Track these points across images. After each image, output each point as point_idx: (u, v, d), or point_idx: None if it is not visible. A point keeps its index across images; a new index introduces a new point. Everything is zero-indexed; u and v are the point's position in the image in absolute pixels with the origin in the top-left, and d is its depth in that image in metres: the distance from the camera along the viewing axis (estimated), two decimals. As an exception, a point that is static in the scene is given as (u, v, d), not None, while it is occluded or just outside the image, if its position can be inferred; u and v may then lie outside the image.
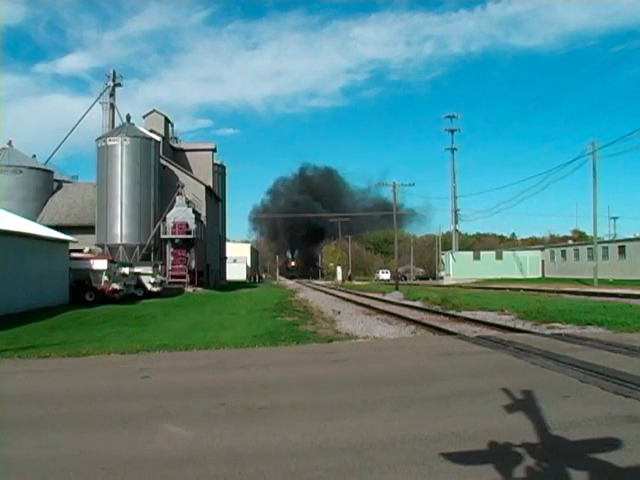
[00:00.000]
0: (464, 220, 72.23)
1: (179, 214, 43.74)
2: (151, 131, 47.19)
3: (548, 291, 32.79)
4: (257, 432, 4.98)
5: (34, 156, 49.02)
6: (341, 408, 5.80)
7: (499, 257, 64.15)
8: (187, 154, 54.01)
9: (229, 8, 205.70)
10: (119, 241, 42.07)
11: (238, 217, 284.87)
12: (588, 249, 52.65)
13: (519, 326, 14.43)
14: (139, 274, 33.26)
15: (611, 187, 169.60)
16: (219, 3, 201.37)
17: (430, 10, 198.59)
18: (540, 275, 61.11)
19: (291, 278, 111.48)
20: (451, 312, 19.40)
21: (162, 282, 36.27)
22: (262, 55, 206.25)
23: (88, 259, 29.70)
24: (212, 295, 38.16)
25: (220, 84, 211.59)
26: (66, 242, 27.11)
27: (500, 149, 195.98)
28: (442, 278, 64.18)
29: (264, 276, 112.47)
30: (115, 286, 27.91)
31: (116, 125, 47.98)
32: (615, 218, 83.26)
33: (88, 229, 42.22)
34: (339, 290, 46.20)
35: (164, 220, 43.44)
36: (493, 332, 13.03)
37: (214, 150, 56.70)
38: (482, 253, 65.63)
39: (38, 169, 47.44)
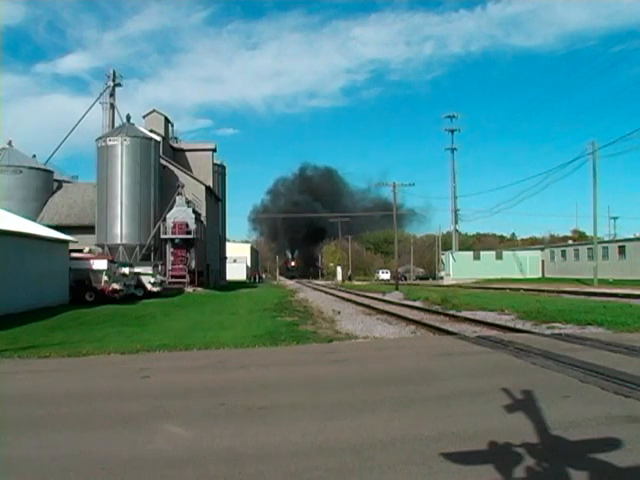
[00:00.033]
0: (464, 220, 72.33)
1: (179, 214, 43.74)
2: (151, 131, 47.19)
3: (548, 291, 32.78)
4: (257, 432, 4.98)
5: (34, 156, 49.03)
6: (341, 408, 5.80)
7: (499, 257, 64.15)
8: (187, 154, 54.01)
9: (229, 8, 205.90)
10: (119, 241, 42.07)
11: (238, 217, 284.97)
12: (588, 249, 52.65)
13: (519, 326, 14.43)
14: (139, 274, 33.26)
15: (611, 187, 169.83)
16: (219, 3, 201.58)
17: (430, 10, 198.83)
18: (540, 275, 61.11)
19: (291, 278, 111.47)
20: (451, 312, 19.40)
21: (162, 282, 36.27)
22: (262, 55, 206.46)
23: (88, 259, 29.70)
24: (212, 295, 38.16)
25: (220, 84, 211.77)
26: (66, 242, 27.11)
27: (500, 149, 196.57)
28: (442, 278, 64.18)
29: (264, 276, 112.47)
30: (115, 286, 27.91)
31: (116, 125, 47.98)
32: (615, 218, 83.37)
33: (88, 229, 42.22)
34: (339, 290, 46.20)
35: (164, 220, 43.44)
36: (493, 332, 13.03)
37: (214, 150, 56.71)
38: (482, 253, 65.64)
39: (38, 169, 47.45)
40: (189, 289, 41.90)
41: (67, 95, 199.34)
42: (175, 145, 54.76)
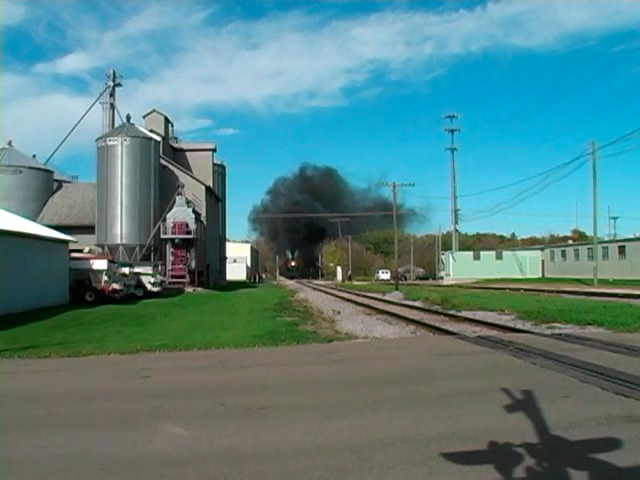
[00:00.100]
0: (464, 220, 72.35)
1: (179, 214, 43.75)
2: (151, 131, 47.19)
3: (548, 291, 32.79)
4: (257, 432, 4.98)
5: (34, 156, 49.04)
6: (341, 408, 5.80)
7: (499, 257, 64.16)
8: (187, 154, 54.01)
9: (229, 8, 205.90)
10: (119, 241, 42.08)
11: (238, 217, 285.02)
12: (588, 249, 52.65)
13: (519, 326, 14.43)
14: (139, 274, 33.26)
15: (611, 187, 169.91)
16: (219, 3, 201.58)
17: (430, 10, 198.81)
18: (540, 275, 61.11)
19: (291, 278, 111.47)
20: (451, 312, 19.40)
21: (162, 282, 36.27)
22: (262, 55, 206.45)
23: (88, 259, 29.71)
24: (212, 295, 38.16)
25: (220, 84, 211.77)
26: (66, 242, 27.11)
27: (500, 149, 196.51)
28: (442, 278, 64.18)
29: (264, 276, 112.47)
30: (115, 286, 27.91)
31: (116, 125, 47.99)
32: (615, 218, 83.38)
33: (88, 229, 42.23)
34: (339, 290, 46.20)
35: (164, 220, 43.44)
36: (493, 332, 13.03)
37: (214, 150, 56.71)
38: (482, 253, 65.64)
39: (38, 169, 47.45)
40: (189, 289, 41.90)
41: (67, 95, 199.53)
42: (175, 145, 54.76)
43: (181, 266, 43.58)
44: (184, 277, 43.24)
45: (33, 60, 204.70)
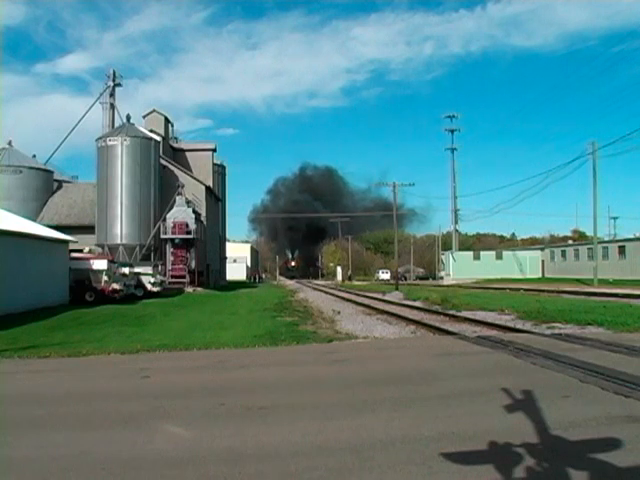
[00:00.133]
0: (464, 220, 72.35)
1: (179, 214, 43.75)
2: (151, 131, 47.19)
3: (548, 291, 32.79)
4: (257, 432, 4.98)
5: (34, 156, 49.03)
6: (341, 408, 5.80)
7: (499, 257, 64.16)
8: (187, 154, 54.01)
9: (229, 8, 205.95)
10: (119, 241, 42.07)
11: (238, 217, 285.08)
12: (588, 249, 52.65)
13: (519, 326, 14.43)
14: (139, 274, 33.26)
15: (611, 187, 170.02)
16: (219, 3, 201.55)
17: (430, 10, 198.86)
18: (540, 275, 61.11)
19: (291, 278, 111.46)
20: (451, 312, 19.40)
21: (162, 282, 36.27)
22: (262, 55, 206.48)
23: (88, 259, 29.70)
24: (212, 295, 38.16)
25: (220, 84, 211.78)
26: (66, 242, 27.11)
27: (500, 149, 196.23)
28: (442, 278, 64.19)
29: (264, 276, 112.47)
30: (115, 286, 27.91)
31: (116, 125, 47.98)
32: (615, 218, 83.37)
33: (88, 229, 42.23)
34: (339, 290, 46.20)
35: (164, 220, 43.44)
36: (493, 332, 13.03)
37: (214, 150, 56.70)
38: (482, 253, 65.63)
39: (38, 169, 47.45)
40: (189, 289, 41.90)
41: (67, 95, 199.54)
42: (175, 145, 54.76)
43: (181, 266, 43.58)
44: (184, 277, 43.23)
45: (33, 60, 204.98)
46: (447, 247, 73.13)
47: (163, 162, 46.38)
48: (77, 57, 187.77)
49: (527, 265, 61.73)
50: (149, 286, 33.76)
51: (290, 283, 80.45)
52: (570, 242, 69.37)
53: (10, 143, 47.41)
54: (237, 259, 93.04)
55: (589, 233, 75.16)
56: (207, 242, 49.93)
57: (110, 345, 11.61)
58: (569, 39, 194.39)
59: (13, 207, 35.85)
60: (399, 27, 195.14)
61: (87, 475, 4.04)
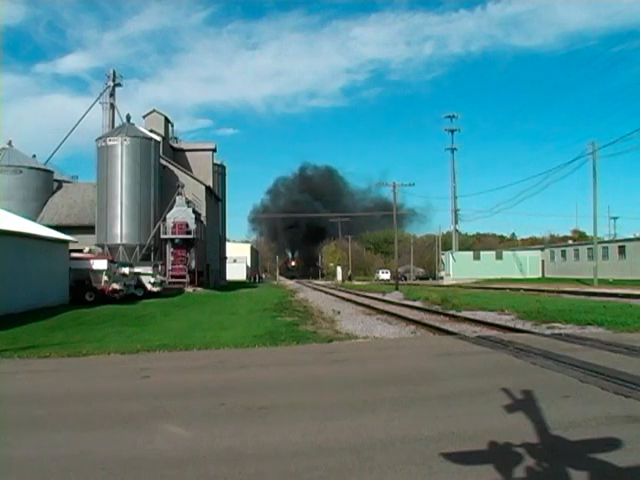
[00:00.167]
0: (464, 220, 72.34)
1: (179, 214, 43.75)
2: (151, 131, 47.19)
3: (548, 291, 32.79)
4: (257, 432, 4.98)
5: (34, 156, 49.03)
6: (341, 408, 5.80)
7: (499, 257, 64.16)
8: (187, 154, 54.01)
9: (229, 8, 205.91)
10: (119, 241, 42.08)
11: (238, 217, 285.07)
12: (588, 249, 52.65)
13: (519, 326, 14.43)
14: (139, 274, 33.26)
15: (611, 187, 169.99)
16: (219, 3, 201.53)
17: (430, 10, 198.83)
18: (540, 275, 61.11)
19: (291, 278, 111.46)
20: (451, 312, 19.40)
21: (162, 282, 36.27)
22: (262, 55, 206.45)
23: (88, 259, 29.71)
24: (212, 295, 38.16)
25: (220, 84, 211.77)
26: (66, 242, 27.11)
27: (500, 149, 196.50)
28: (442, 278, 64.19)
29: (264, 276, 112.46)
30: (115, 286, 27.91)
31: (116, 125, 47.98)
32: (615, 218, 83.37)
33: (88, 229, 42.22)
34: (339, 290, 46.20)
35: (164, 220, 43.44)
36: (493, 332, 13.03)
37: (214, 150, 56.70)
38: (482, 253, 65.63)
39: (38, 169, 47.45)
40: (189, 289, 41.90)
41: (67, 95, 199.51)
42: (175, 145, 54.75)
43: (181, 266, 43.58)
44: (184, 277, 43.23)
45: (33, 60, 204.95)
46: (447, 247, 73.13)
47: (163, 162, 46.38)
48: (77, 57, 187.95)
49: (527, 265, 61.73)
50: (149, 286, 33.76)
51: (290, 283, 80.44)
52: (570, 242, 69.37)
53: (10, 143, 47.42)
54: (237, 259, 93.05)
55: (589, 233, 75.25)
56: (207, 242, 49.93)
57: (110, 345, 11.60)
58: (569, 39, 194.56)
59: (13, 207, 35.85)
60: (399, 27, 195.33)
61: (87, 475, 4.04)
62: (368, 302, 27.18)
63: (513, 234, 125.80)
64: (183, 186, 45.56)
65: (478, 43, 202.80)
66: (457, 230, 68.89)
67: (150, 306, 25.43)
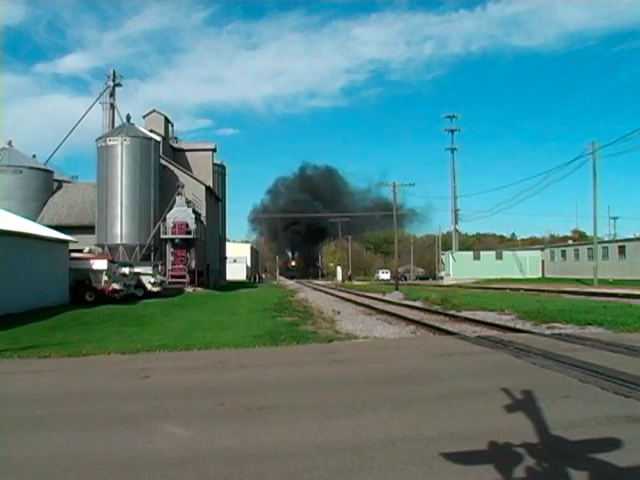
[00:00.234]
0: (464, 220, 72.37)
1: (179, 214, 43.75)
2: (151, 131, 47.19)
3: (548, 291, 32.78)
4: (257, 432, 4.98)
5: (34, 156, 49.03)
6: (341, 408, 5.80)
7: (499, 257, 64.16)
8: (187, 154, 54.02)
9: (229, 8, 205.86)
10: (119, 241, 42.08)
11: (238, 217, 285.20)
12: (588, 249, 52.65)
13: (519, 326, 14.43)
14: (139, 274, 33.26)
15: (611, 187, 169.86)
16: (219, 3, 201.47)
17: (430, 10, 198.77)
18: (540, 275, 61.11)
19: (291, 278, 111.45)
20: (451, 312, 19.40)
21: (162, 282, 36.27)
22: (262, 55, 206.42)
23: (88, 259, 29.70)
24: (212, 295, 38.16)
25: (220, 84, 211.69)
26: (66, 242, 27.11)
27: (500, 149, 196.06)
28: (442, 278, 64.19)
29: (264, 276, 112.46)
30: (115, 286, 27.91)
31: (116, 125, 47.99)
32: (615, 218, 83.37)
33: (88, 229, 42.22)
34: (339, 290, 46.20)
35: (164, 220, 43.44)
36: (493, 332, 13.03)
37: (214, 150, 56.70)
38: (482, 253, 65.63)
39: (38, 169, 47.45)
40: (189, 289, 41.90)
41: (67, 95, 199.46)
42: (175, 145, 54.76)
43: (181, 266, 43.58)
44: (184, 277, 43.23)
45: (33, 60, 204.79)
46: (447, 247, 73.13)
47: (163, 162, 46.38)
48: (77, 57, 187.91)
49: (527, 265, 61.73)
50: (149, 286, 33.76)
51: (290, 283, 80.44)
52: (570, 242, 69.37)
53: (10, 143, 47.42)
54: (237, 259, 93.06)
55: (589, 233, 75.25)
56: (207, 242, 49.93)
57: (110, 345, 11.60)
58: (569, 39, 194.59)
59: (13, 207, 35.85)
60: (399, 27, 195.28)
61: (87, 475, 4.04)
62: (368, 302, 27.18)
63: (513, 234, 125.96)
64: (183, 186, 45.56)
65: (478, 43, 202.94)
66: (457, 230, 68.93)
67: (150, 306, 25.43)
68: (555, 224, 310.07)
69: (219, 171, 61.27)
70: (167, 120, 52.69)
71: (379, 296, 32.79)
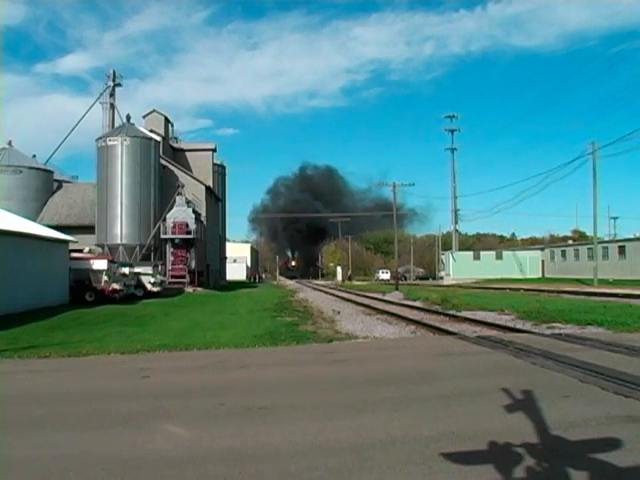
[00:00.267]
0: (464, 220, 72.38)
1: (179, 214, 43.74)
2: (151, 131, 47.18)
3: (548, 291, 32.78)
4: (257, 432, 4.98)
5: (34, 156, 49.03)
6: (341, 408, 5.80)
7: (499, 257, 64.15)
8: (187, 154, 54.01)
9: (229, 8, 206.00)
10: (119, 241, 42.07)
11: (238, 217, 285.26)
12: (588, 249, 52.65)
13: (519, 326, 14.43)
14: (139, 274, 33.26)
15: (611, 187, 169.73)
16: (219, 3, 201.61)
17: (430, 10, 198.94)
18: (540, 275, 61.11)
19: (291, 278, 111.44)
20: (451, 312, 19.40)
21: (162, 282, 36.26)
22: (262, 55, 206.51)
23: (88, 259, 29.70)
24: (212, 295, 38.16)
25: (220, 84, 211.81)
26: (66, 242, 27.11)
27: (500, 149, 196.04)
28: (442, 278, 64.18)
29: (264, 276, 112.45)
30: (115, 286, 27.91)
31: (116, 125, 47.98)
32: (615, 218, 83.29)
33: (88, 229, 42.22)
34: (339, 290, 46.19)
35: (164, 220, 43.44)
36: (493, 332, 13.03)
37: (214, 150, 56.70)
38: (482, 253, 65.63)
39: (38, 169, 47.44)
40: (189, 289, 41.90)
41: (67, 95, 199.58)
42: (175, 145, 54.75)
43: (181, 266, 43.57)
44: (184, 277, 43.23)
45: (33, 60, 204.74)
46: (447, 247, 73.12)
47: (163, 162, 46.38)
48: (77, 57, 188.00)
49: (527, 265, 61.73)
50: (149, 286, 33.76)
51: (290, 283, 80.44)
52: (570, 242, 69.37)
53: (10, 143, 47.42)
54: (237, 259, 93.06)
55: (589, 233, 75.24)
56: (207, 242, 49.93)
57: (110, 345, 11.60)
58: (569, 39, 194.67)
59: (13, 207, 35.85)
60: (399, 27, 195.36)
61: (87, 475, 4.04)
62: (368, 302, 27.18)
63: (513, 234, 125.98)
64: (183, 186, 45.56)
65: (478, 43, 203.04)
66: (457, 230, 68.92)
67: (150, 306, 25.43)
68: (555, 224, 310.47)
69: (219, 171, 61.27)
70: (167, 120, 52.69)
71: (379, 296, 32.79)
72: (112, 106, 49.37)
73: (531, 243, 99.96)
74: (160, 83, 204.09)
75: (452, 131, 69.02)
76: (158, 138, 46.30)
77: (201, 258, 46.86)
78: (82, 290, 26.96)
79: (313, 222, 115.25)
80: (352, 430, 4.95)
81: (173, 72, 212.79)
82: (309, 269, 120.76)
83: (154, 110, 51.75)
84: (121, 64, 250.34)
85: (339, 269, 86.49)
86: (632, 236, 52.32)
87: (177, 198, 44.26)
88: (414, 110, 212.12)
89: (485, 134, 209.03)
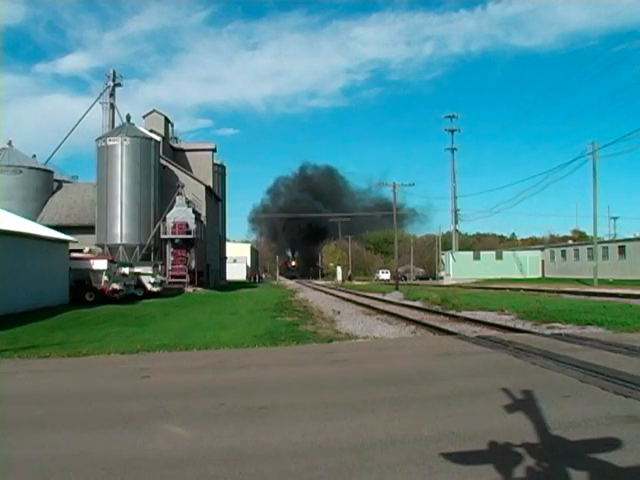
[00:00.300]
0: (464, 220, 72.36)
1: (179, 214, 43.74)
2: (151, 131, 47.18)
3: (548, 291, 32.78)
4: (257, 432, 4.98)
5: (34, 156, 49.03)
6: (341, 408, 5.80)
7: (499, 257, 64.15)
8: (187, 154, 54.01)
9: (229, 8, 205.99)
10: (119, 241, 42.08)
11: (238, 217, 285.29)
12: (588, 249, 52.66)
13: (519, 326, 14.43)
14: (139, 274, 33.26)
15: (611, 187, 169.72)
16: (219, 3, 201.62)
17: (430, 10, 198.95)
18: (540, 275, 61.10)
19: (291, 278, 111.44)
20: (451, 312, 19.40)
21: (162, 282, 36.27)
22: (262, 55, 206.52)
23: (88, 259, 29.70)
24: (212, 295, 38.16)
25: (220, 84, 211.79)
26: (66, 242, 27.11)
27: (500, 149, 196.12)
28: (442, 278, 64.18)
29: (264, 276, 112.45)
30: (115, 286, 27.91)
31: (116, 125, 47.98)
32: (615, 218, 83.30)
33: (88, 229, 42.23)
34: (339, 290, 46.19)
35: (164, 220, 43.44)
36: (493, 332, 13.03)
37: (214, 150, 56.70)
38: (482, 253, 65.63)
39: (38, 169, 47.44)
40: (189, 289, 41.90)
41: (67, 95, 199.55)
42: (175, 145, 54.75)
43: (181, 266, 43.57)
44: (184, 277, 43.23)
45: (33, 60, 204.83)
46: (447, 247, 73.13)
47: (163, 162, 46.38)
48: (77, 57, 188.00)
49: (527, 265, 61.73)
50: (149, 286, 33.76)
51: (290, 283, 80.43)
52: (570, 242, 69.37)
53: (10, 143, 47.42)
54: (237, 259, 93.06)
55: (589, 233, 75.24)
56: (207, 242, 49.93)
57: (110, 345, 11.60)
58: (569, 39, 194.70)
59: (13, 207, 35.85)
60: (399, 27, 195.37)
61: (87, 475, 4.04)
62: (368, 302, 27.18)
63: (513, 234, 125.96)
64: (183, 186, 45.56)
65: (478, 43, 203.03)
66: (457, 230, 68.92)
67: (150, 306, 25.43)
68: (555, 224, 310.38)
69: (219, 171, 61.27)
70: (167, 120, 52.69)
71: (379, 296, 32.79)
72: (112, 106, 49.38)
73: (531, 243, 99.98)
74: (160, 83, 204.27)
75: (452, 131, 69.09)
76: (158, 138, 46.30)
77: (201, 258, 46.86)
78: (82, 290, 26.96)
79: (313, 222, 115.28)
80: (352, 430, 4.95)
81: (173, 72, 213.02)
82: (309, 269, 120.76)
83: (154, 110, 51.75)
84: (121, 64, 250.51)
85: (339, 269, 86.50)
86: (632, 236, 52.32)
87: (177, 198, 44.26)
88: (414, 110, 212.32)
89: (485, 134, 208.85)
